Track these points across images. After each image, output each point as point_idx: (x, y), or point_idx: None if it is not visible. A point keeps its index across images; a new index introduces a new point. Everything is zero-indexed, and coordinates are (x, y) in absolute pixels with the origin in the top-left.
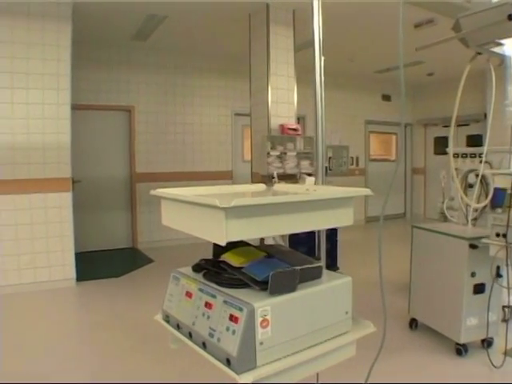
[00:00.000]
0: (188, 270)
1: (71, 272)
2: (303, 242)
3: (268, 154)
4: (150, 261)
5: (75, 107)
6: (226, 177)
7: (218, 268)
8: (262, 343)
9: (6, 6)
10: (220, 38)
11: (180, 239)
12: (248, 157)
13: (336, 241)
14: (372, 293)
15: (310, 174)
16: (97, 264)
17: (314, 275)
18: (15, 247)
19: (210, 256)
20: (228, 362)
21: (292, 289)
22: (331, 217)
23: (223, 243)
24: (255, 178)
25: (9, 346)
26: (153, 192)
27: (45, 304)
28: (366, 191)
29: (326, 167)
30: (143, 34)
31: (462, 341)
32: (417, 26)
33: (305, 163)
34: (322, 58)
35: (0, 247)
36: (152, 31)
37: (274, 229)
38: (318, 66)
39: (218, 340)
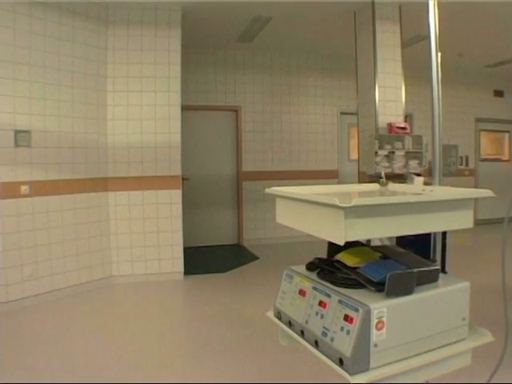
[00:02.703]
0: (301, 268)
1: (179, 265)
2: (410, 244)
3: (376, 153)
4: (255, 258)
5: (185, 108)
6: (331, 176)
7: (333, 267)
8: (376, 345)
9: (122, 16)
10: (325, 37)
11: (284, 237)
12: (354, 156)
13: (445, 244)
14: (485, 300)
15: (418, 174)
16: (204, 259)
17: (430, 278)
18: (129, 240)
19: (315, 254)
20: (341, 362)
21: (409, 291)
22: (450, 218)
23: (342, 243)
24: (362, 178)
25: (120, 332)
26: (268, 190)
27: (154, 295)
28: (487, 192)
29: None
30: (249, 35)
31: None
32: None
33: (413, 163)
34: (439, 54)
35: (114, 240)
36: (257, 32)
37: (393, 229)
38: (434, 62)
39: (332, 339)
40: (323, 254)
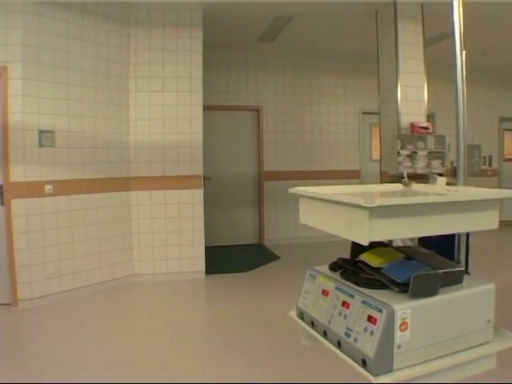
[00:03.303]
0: (324, 268)
1: (201, 265)
2: (433, 245)
3: (398, 153)
4: (276, 257)
5: (207, 108)
6: (353, 176)
7: (356, 267)
8: (399, 347)
9: (143, 18)
10: (346, 37)
11: (305, 237)
12: (376, 156)
13: (468, 245)
14: (510, 302)
15: (440, 174)
16: (225, 258)
17: (455, 279)
18: (150, 239)
19: (336, 255)
20: (364, 363)
21: (433, 293)
22: (475, 219)
23: (366, 243)
24: (384, 178)
25: (141, 331)
26: (291, 190)
27: (176, 293)
28: None
29: (455, 167)
30: (270, 35)
31: None
32: None
33: (435, 163)
34: (463, 53)
35: (136, 239)
36: (279, 32)
37: (418, 230)
38: (458, 60)
39: (355, 340)
40: (344, 255)
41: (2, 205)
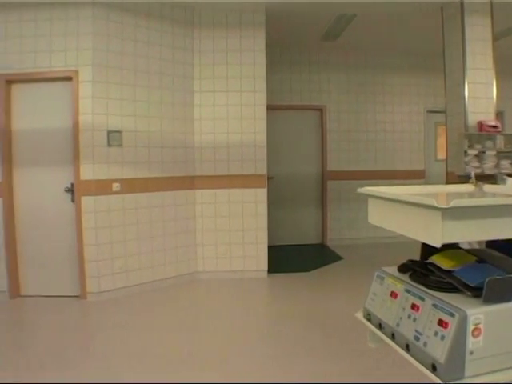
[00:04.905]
0: (393, 269)
1: (264, 264)
2: (501, 248)
3: (465, 152)
4: (338, 258)
5: (270, 107)
6: (417, 176)
7: (426, 270)
8: (472, 353)
9: (207, 19)
10: (410, 34)
11: (368, 238)
12: (441, 155)
13: None
14: None
15: (510, 175)
16: (287, 258)
17: None
18: (214, 237)
19: (399, 256)
20: (433, 368)
21: (508, 298)
22: None
23: (438, 245)
24: (450, 178)
25: (202, 327)
26: (360, 190)
27: (238, 292)
28: None
29: None
30: (332, 34)
31: None
32: None
33: (505, 163)
34: None
35: (200, 236)
36: (341, 31)
37: (492, 232)
38: None
39: (425, 344)
40: (407, 256)
41: (73, 202)
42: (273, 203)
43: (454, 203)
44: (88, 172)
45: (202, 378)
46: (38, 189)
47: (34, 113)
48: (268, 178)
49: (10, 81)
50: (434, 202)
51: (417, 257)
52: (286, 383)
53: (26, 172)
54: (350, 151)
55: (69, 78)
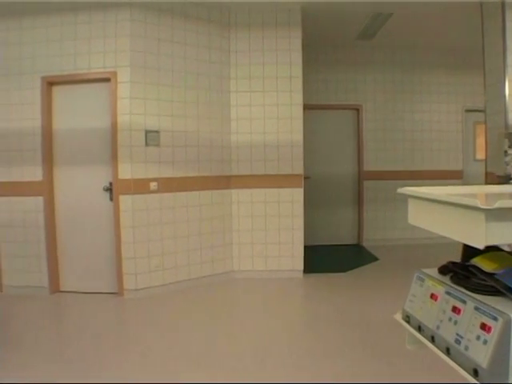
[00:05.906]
0: (433, 271)
1: (299, 264)
2: None
3: (505, 152)
4: (375, 258)
5: (306, 107)
6: (455, 176)
7: (467, 272)
8: None
9: (243, 19)
10: (448, 32)
11: (405, 239)
12: (480, 155)
13: None
14: None
15: None
16: (323, 258)
17: None
18: (250, 236)
19: (439, 257)
20: (475, 373)
21: None
22: None
23: (481, 247)
24: (490, 179)
25: (237, 326)
26: (400, 190)
27: (274, 291)
28: None
29: None
30: (369, 32)
31: None
32: None
33: None
34: None
35: (236, 235)
36: (378, 29)
37: None
38: None
39: (466, 348)
40: (445, 257)
41: (111, 200)
42: (309, 203)
43: (498, 204)
44: (126, 171)
45: (239, 378)
46: (78, 187)
47: (74, 113)
48: (304, 177)
49: (51, 83)
50: (478, 203)
51: (454, 259)
52: (308, 383)
53: (66, 171)
54: (387, 151)
55: (107, 79)
